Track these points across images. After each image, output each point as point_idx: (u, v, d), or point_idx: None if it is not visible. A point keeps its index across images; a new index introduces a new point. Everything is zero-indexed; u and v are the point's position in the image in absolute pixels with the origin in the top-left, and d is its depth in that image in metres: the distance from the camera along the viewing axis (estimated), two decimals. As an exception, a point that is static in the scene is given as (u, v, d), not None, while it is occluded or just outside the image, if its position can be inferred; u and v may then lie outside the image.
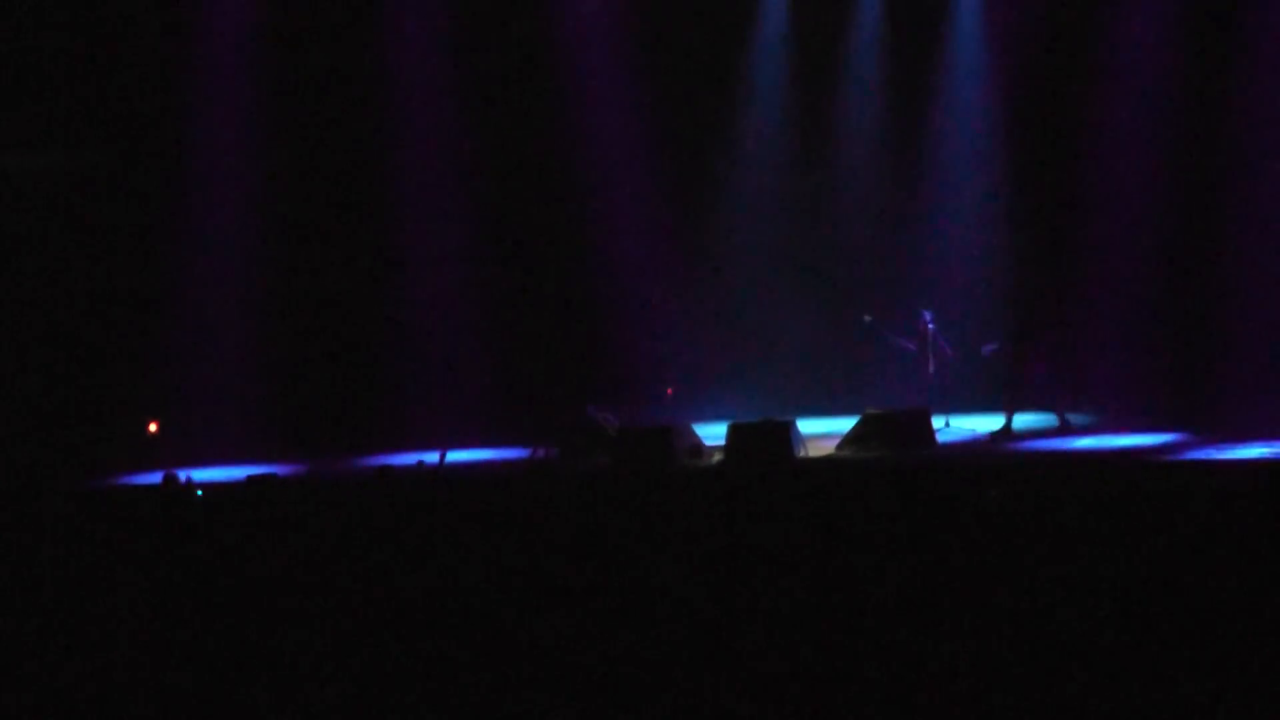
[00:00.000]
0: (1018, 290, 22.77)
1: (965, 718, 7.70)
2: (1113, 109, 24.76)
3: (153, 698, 8.57)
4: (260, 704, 8.40)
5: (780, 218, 26.98)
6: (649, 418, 23.42)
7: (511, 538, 12.06)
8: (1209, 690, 7.67)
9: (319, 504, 14.84)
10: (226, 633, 9.57)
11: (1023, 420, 22.45)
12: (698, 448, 21.74)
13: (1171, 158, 24.26)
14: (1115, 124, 24.71)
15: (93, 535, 13.29)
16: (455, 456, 21.83)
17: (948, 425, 22.85)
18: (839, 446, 21.35)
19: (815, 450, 21.33)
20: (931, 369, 23.02)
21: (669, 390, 25.77)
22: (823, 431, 22.68)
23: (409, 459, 20.98)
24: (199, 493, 16.59)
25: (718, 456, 21.25)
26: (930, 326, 23.04)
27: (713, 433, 22.23)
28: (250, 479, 18.49)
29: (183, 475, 17.50)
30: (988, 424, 22.57)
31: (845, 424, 21.87)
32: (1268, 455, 18.32)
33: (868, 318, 23.95)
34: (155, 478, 19.43)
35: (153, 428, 24.87)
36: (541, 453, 21.68)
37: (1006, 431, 21.93)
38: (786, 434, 20.79)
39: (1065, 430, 21.97)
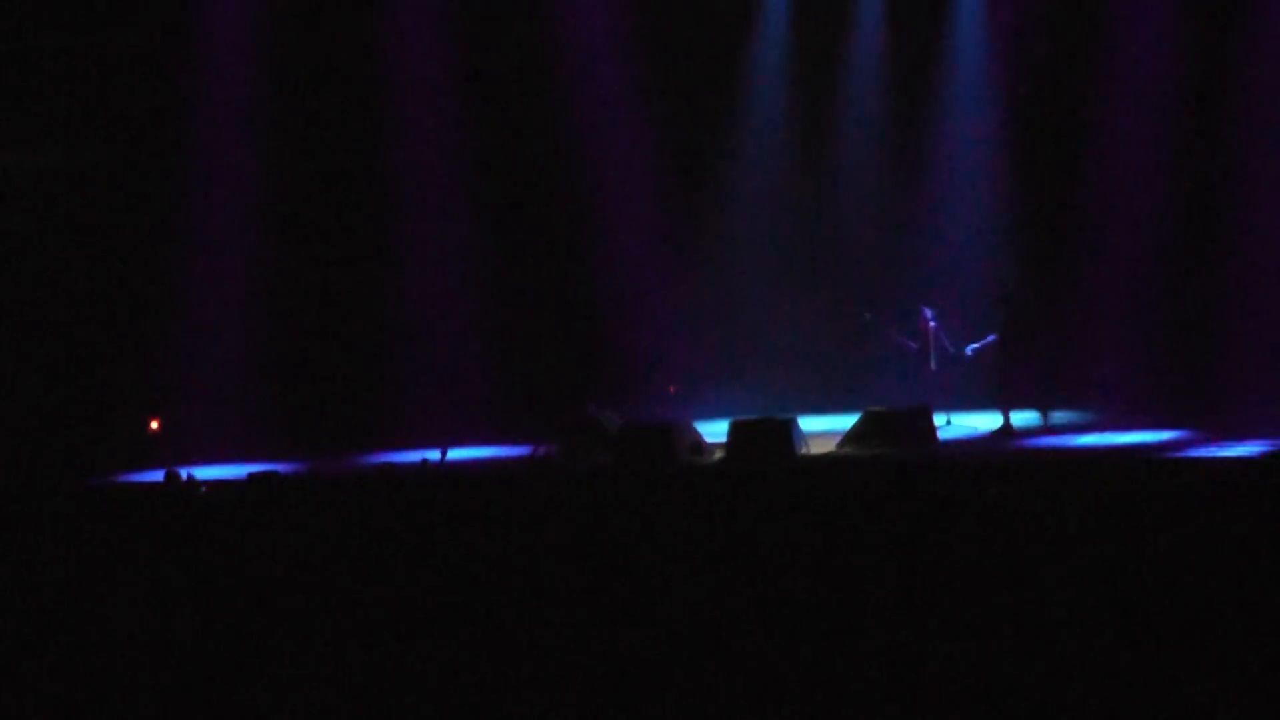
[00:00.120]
0: (1004, 289, 22.76)
1: (966, 716, 7.69)
2: (1114, 108, 24.76)
3: (154, 696, 8.57)
4: (261, 702, 8.39)
5: (781, 216, 26.97)
6: (650, 415, 23.41)
7: (512, 536, 12.06)
8: (1209, 689, 7.66)
9: (320, 502, 14.85)
10: (227, 631, 9.57)
11: (1019, 418, 22.46)
12: (699, 445, 21.75)
13: (1173, 157, 24.26)
14: (1116, 123, 24.71)
15: (94, 533, 13.29)
16: (457, 454, 21.86)
17: (949, 423, 22.86)
18: (840, 444, 21.36)
19: (816, 448, 21.32)
20: (933, 366, 23.03)
21: (671, 388, 25.79)
22: (824, 429, 22.68)
23: (410, 457, 20.99)
24: (203, 489, 16.62)
25: (719, 454, 21.25)
26: (931, 324, 23.06)
27: (714, 430, 22.23)
28: (252, 476, 18.53)
29: (184, 473, 17.53)
30: (989, 422, 22.57)
31: (846, 421, 21.87)
32: (1268, 451, 18.32)
33: (868, 315, 23.99)
34: (157, 476, 19.45)
35: (154, 426, 24.89)
36: (543, 450, 21.67)
37: (1007, 430, 21.94)
38: (788, 431, 20.79)
39: (1045, 429, 22.07)
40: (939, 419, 22.14)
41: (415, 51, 26.18)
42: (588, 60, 26.32)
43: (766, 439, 20.72)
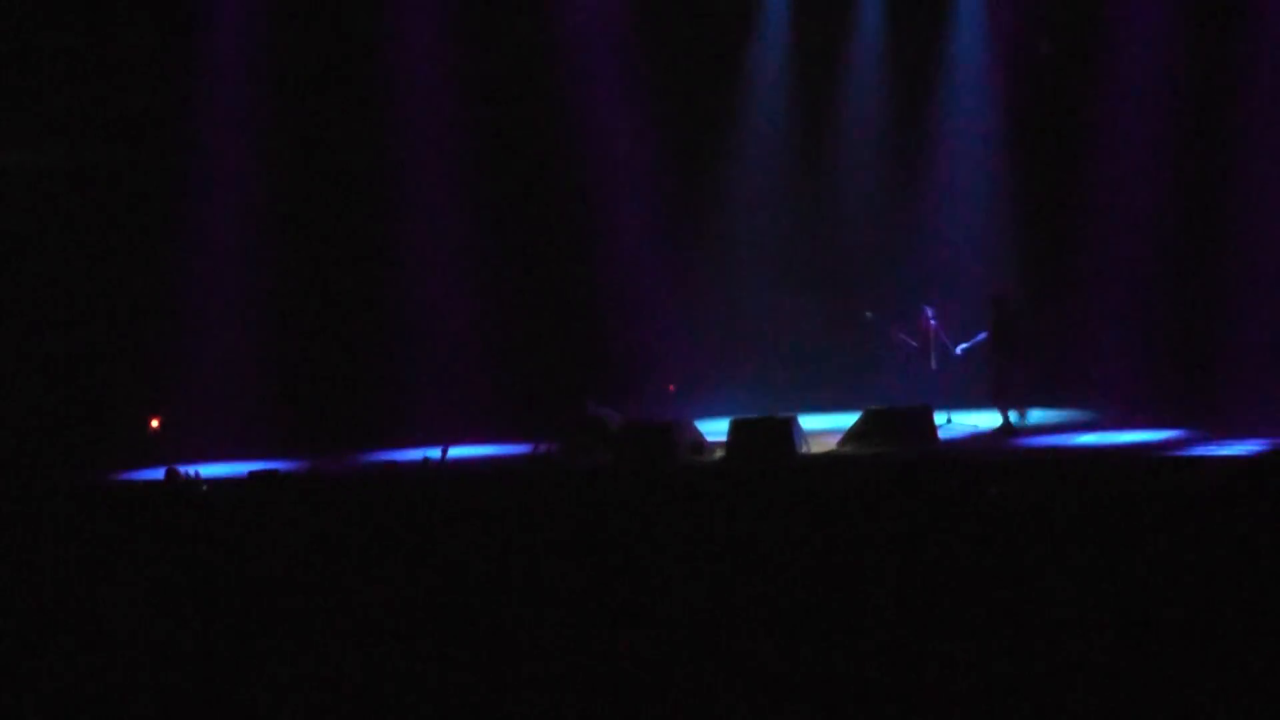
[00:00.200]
0: (999, 288, 22.79)
1: (966, 716, 7.70)
2: (1114, 107, 24.77)
3: (155, 695, 8.58)
4: (260, 702, 8.40)
5: (782, 215, 26.98)
6: (651, 414, 23.43)
7: (512, 534, 12.07)
8: (1209, 689, 7.67)
9: (321, 500, 14.85)
10: (229, 629, 9.57)
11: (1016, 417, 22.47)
12: (700, 444, 21.77)
13: (1173, 156, 24.27)
14: (1116, 123, 24.73)
15: (95, 531, 13.30)
16: (458, 452, 21.86)
17: (950, 421, 22.87)
18: (841, 443, 21.37)
19: (817, 446, 21.34)
20: (934, 365, 23.05)
21: (671, 386, 25.80)
22: (825, 427, 22.69)
23: (411, 455, 20.99)
24: (204, 486, 16.63)
25: (720, 453, 21.26)
26: (932, 323, 23.08)
27: (715, 429, 22.24)
28: (253, 474, 18.54)
29: (185, 471, 17.54)
30: (990, 420, 22.58)
31: (847, 420, 21.88)
32: (1268, 450, 18.33)
33: (869, 314, 24.01)
34: (158, 474, 19.46)
35: (155, 424, 24.89)
36: (544, 449, 21.67)
37: (1007, 428, 21.96)
38: (788, 430, 20.80)
39: (1024, 429, 22.13)
40: (939, 418, 22.15)
41: (415, 50, 26.18)
42: (588, 60, 26.33)
43: (767, 438, 20.73)
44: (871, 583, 9.63)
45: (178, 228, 25.69)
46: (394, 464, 20.32)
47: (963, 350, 22.87)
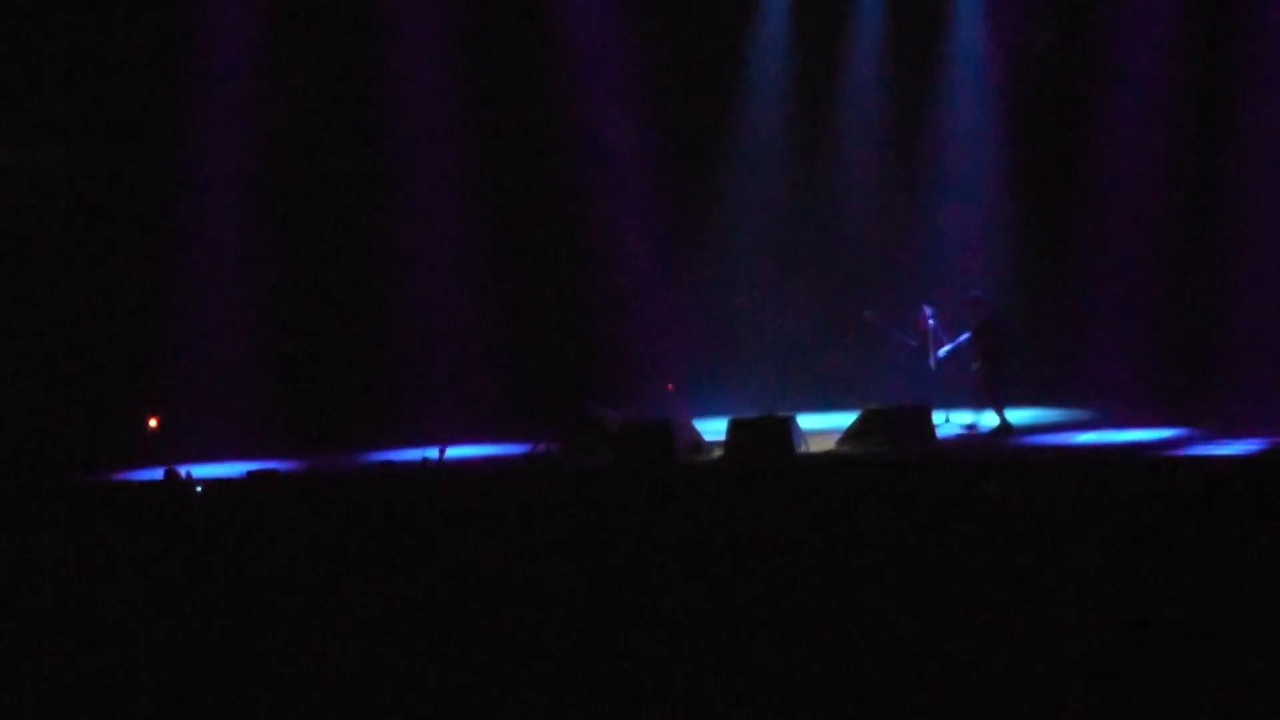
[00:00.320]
0: (979, 290, 22.79)
1: (965, 713, 7.70)
2: (1114, 104, 24.77)
3: (151, 694, 8.57)
4: (260, 700, 8.40)
5: (781, 215, 26.99)
6: (650, 413, 23.43)
7: (511, 534, 12.07)
8: (1207, 686, 7.67)
9: (319, 500, 14.85)
10: (226, 628, 9.57)
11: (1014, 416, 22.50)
12: (698, 444, 21.77)
13: (1172, 154, 24.28)
14: (1116, 119, 24.72)
15: (94, 531, 13.30)
16: (456, 452, 21.86)
17: (948, 421, 22.87)
18: (839, 442, 21.36)
19: (816, 445, 21.33)
20: (932, 365, 23.05)
21: (670, 386, 25.79)
22: (823, 427, 22.69)
23: (410, 455, 20.99)
24: (198, 488, 16.62)
25: (718, 452, 21.26)
26: (931, 322, 23.07)
27: (713, 428, 22.24)
28: (251, 474, 18.54)
29: (183, 471, 17.54)
30: (988, 420, 22.57)
31: (846, 419, 21.88)
32: (1266, 449, 18.34)
33: (868, 313, 24.02)
34: (156, 473, 19.45)
35: (153, 423, 24.88)
36: (543, 448, 21.68)
37: (1005, 427, 21.95)
38: (787, 429, 20.79)
39: (972, 429, 22.14)
40: (938, 417, 22.15)
41: (414, 49, 26.17)
42: (587, 58, 26.33)
43: (766, 437, 20.72)
44: (869, 582, 9.63)
45: (176, 227, 25.67)
46: (392, 464, 20.32)
47: (944, 354, 22.85)
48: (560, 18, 26.29)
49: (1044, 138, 25.50)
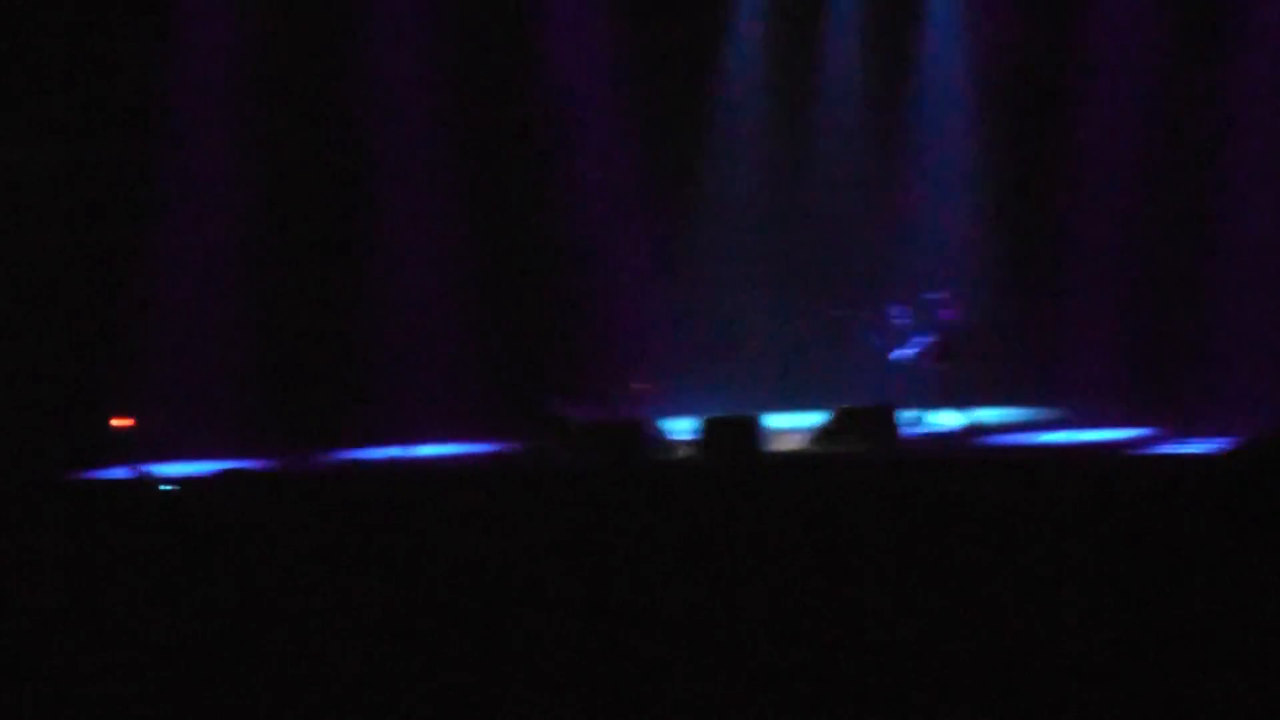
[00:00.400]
0: (935, 292, 22.84)
1: (936, 713, 7.73)
2: (1089, 102, 24.81)
3: (121, 694, 8.57)
4: (229, 702, 8.40)
5: (754, 213, 26.98)
6: (618, 412, 23.44)
7: (478, 533, 12.08)
8: (1177, 688, 7.71)
9: (290, 498, 14.85)
10: (198, 629, 9.57)
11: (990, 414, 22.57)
12: (667, 442, 21.78)
13: (1146, 154, 24.33)
14: (1090, 118, 24.77)
15: (62, 530, 13.27)
16: (424, 451, 21.88)
17: (920, 420, 22.92)
18: (811, 441, 21.40)
19: (787, 444, 21.37)
20: (894, 363, 23.09)
21: (639, 384, 25.78)
22: (793, 426, 22.71)
23: (380, 454, 21.01)
24: (170, 487, 16.60)
25: (688, 451, 21.28)
26: (902, 321, 23.10)
27: (682, 427, 22.25)
28: (223, 473, 18.52)
29: (154, 470, 17.52)
30: (959, 420, 22.64)
31: (816, 418, 21.91)
32: (1231, 448, 18.39)
33: (841, 312, 24.05)
34: (127, 473, 19.43)
35: (124, 422, 24.82)
36: (509, 448, 21.70)
37: (976, 426, 22.00)
38: (756, 428, 20.83)
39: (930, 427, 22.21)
40: (910, 416, 22.20)
41: (393, 45, 26.12)
42: (564, 52, 26.31)
43: (736, 435, 20.75)
44: (838, 581, 9.66)
45: (150, 224, 25.58)
46: (362, 462, 20.34)
47: (904, 356, 22.85)
48: (541, 16, 26.26)
49: (1017, 133, 25.49)
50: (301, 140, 26.04)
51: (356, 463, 20.28)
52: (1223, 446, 18.35)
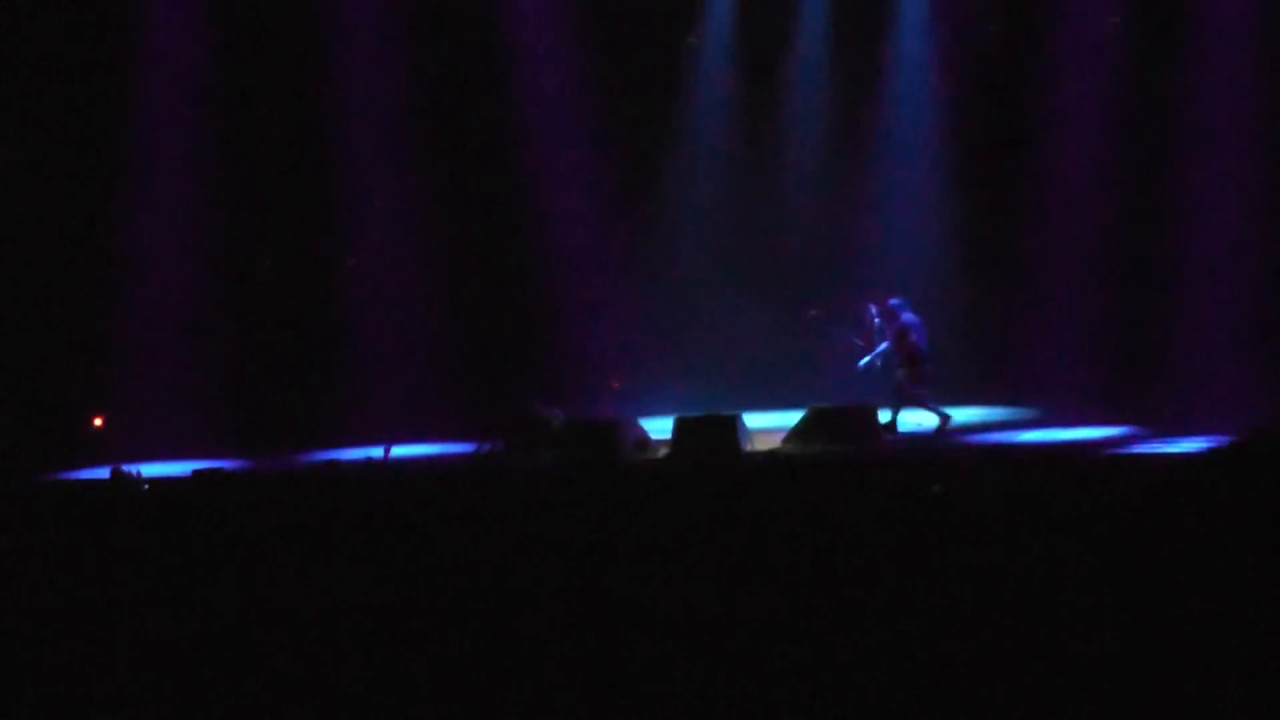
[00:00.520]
0: (886, 296, 22.85)
1: (918, 713, 7.72)
2: (1059, 101, 24.87)
3: (98, 691, 8.54)
4: (206, 702, 8.36)
5: (727, 213, 27.02)
6: (595, 412, 23.43)
7: (456, 533, 12.07)
8: (1160, 686, 7.70)
9: (265, 498, 14.82)
10: (173, 627, 9.54)
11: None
12: (644, 442, 21.77)
13: (1118, 151, 24.40)
14: (1061, 118, 24.83)
15: (39, 530, 13.24)
16: (401, 452, 21.85)
17: (894, 420, 22.91)
18: (784, 441, 21.40)
19: (761, 444, 21.37)
20: (877, 364, 23.08)
21: (615, 384, 25.79)
22: (768, 426, 22.70)
23: (355, 454, 20.97)
24: (145, 486, 16.56)
25: (664, 450, 21.28)
26: (876, 321, 23.10)
27: (659, 427, 22.24)
28: (197, 473, 18.48)
29: (130, 470, 17.48)
30: (934, 420, 22.66)
31: (791, 418, 21.91)
32: (1212, 447, 18.44)
33: (813, 312, 24.05)
34: (102, 472, 19.37)
35: (98, 422, 24.77)
36: (488, 447, 21.67)
37: (944, 424, 21.98)
38: (733, 428, 20.81)
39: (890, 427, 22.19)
40: (883, 416, 22.19)
41: (362, 47, 26.11)
42: (536, 58, 26.33)
43: (711, 436, 20.74)
44: (814, 579, 9.66)
45: (123, 223, 25.55)
46: (337, 463, 20.31)
47: (865, 363, 22.81)
48: (506, 18, 26.26)
49: (988, 132, 25.54)
50: (278, 144, 26.02)
51: (333, 463, 20.23)
52: (1202, 446, 18.42)
